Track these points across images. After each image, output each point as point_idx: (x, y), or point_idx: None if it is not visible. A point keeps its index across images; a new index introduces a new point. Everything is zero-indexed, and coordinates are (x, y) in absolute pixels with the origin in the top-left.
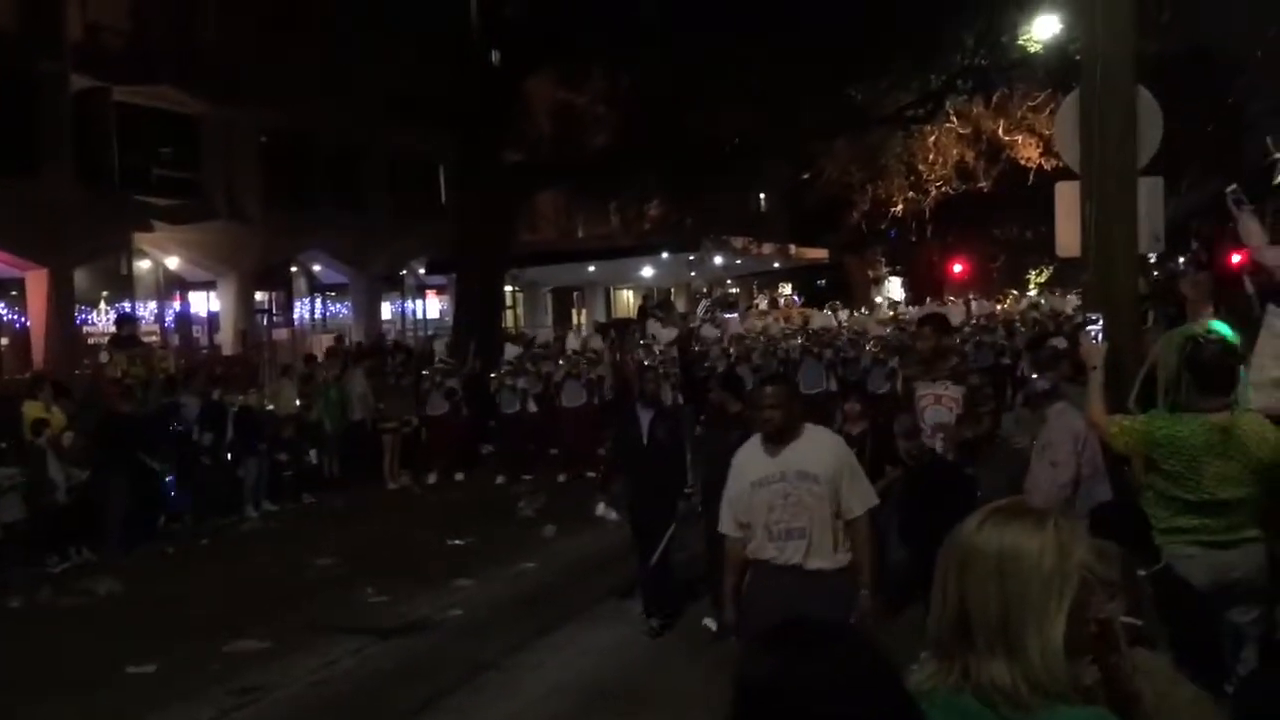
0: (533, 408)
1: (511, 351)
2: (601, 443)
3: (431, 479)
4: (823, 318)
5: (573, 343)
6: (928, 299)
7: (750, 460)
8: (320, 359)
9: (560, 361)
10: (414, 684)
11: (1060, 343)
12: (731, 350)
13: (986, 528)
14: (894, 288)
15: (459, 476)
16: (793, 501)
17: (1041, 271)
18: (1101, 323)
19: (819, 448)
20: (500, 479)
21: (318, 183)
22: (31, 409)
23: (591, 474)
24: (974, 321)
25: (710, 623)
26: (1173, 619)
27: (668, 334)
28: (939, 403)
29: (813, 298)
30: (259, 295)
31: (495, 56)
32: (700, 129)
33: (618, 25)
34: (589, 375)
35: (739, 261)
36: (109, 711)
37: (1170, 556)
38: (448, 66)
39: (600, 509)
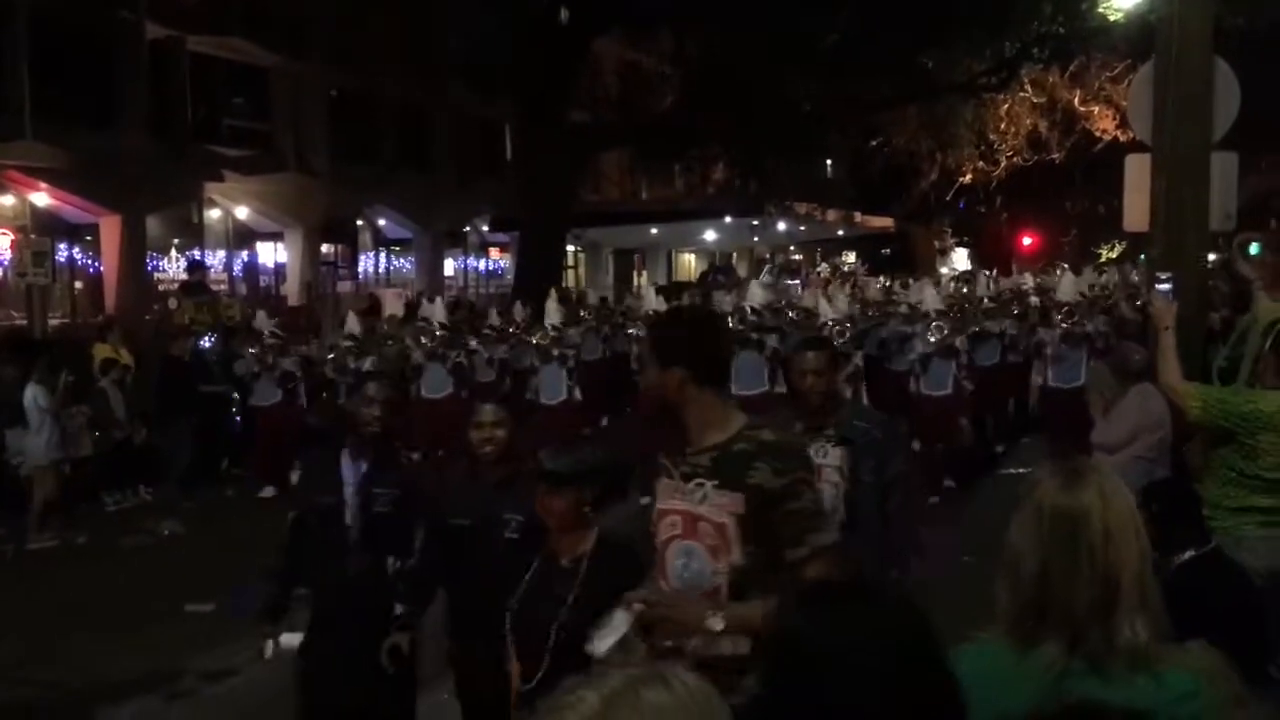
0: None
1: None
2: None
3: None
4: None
5: (437, 312)
6: (994, 270)
7: None
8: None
9: (423, 339)
10: None
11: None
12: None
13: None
14: (960, 259)
15: None
16: None
17: (1114, 246)
18: (1173, 283)
19: None
20: None
21: (385, 138)
22: (101, 351)
23: None
24: (983, 302)
25: None
26: (1218, 600)
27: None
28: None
29: (877, 267)
30: (325, 248)
31: (564, 15)
32: (766, 95)
33: None
34: (456, 358)
35: (803, 228)
36: (167, 647)
37: (1230, 538)
38: (516, 25)
39: (269, 648)
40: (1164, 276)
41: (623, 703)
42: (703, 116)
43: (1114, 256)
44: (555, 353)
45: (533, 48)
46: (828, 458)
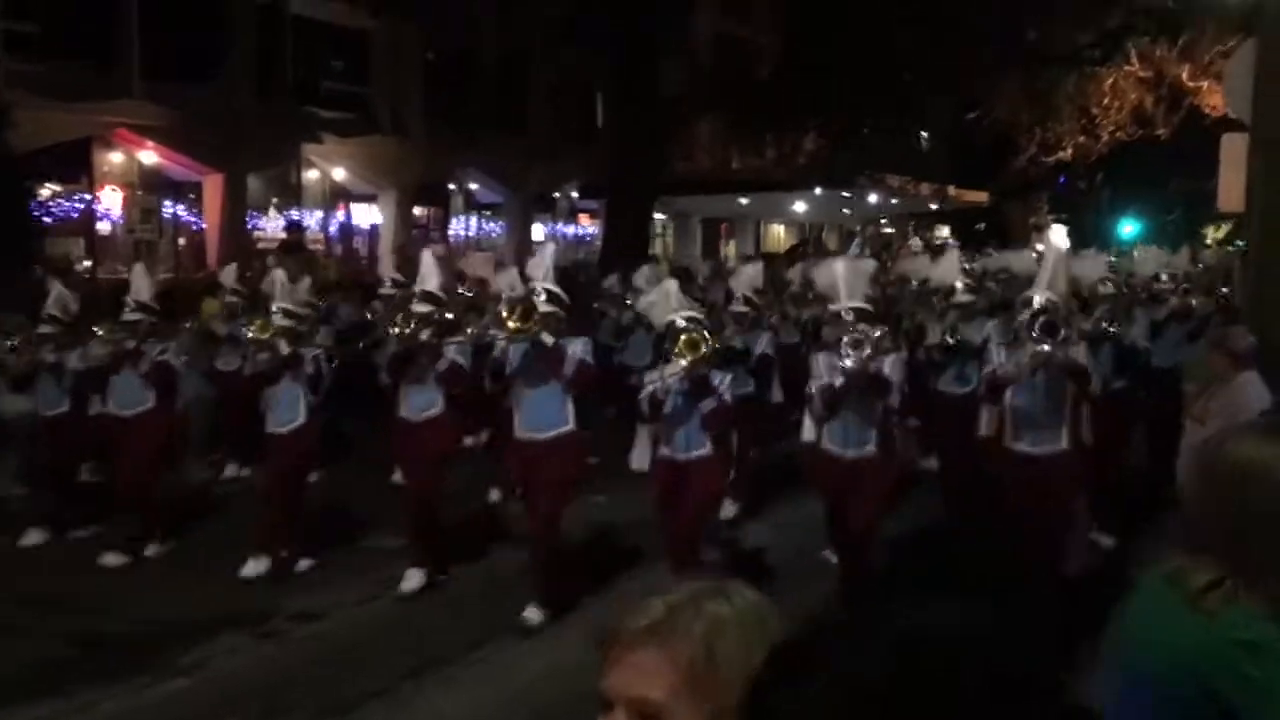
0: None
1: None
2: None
3: None
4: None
5: (141, 286)
6: (1094, 249)
7: None
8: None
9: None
10: None
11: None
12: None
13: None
14: (1058, 236)
15: None
16: None
17: (1219, 227)
18: None
19: None
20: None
21: (478, 103)
22: (210, 306)
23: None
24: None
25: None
26: None
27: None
28: None
29: (970, 241)
30: (417, 210)
31: None
32: (864, 61)
33: None
34: (160, 355)
35: (895, 201)
36: (255, 592)
37: None
38: None
39: None
40: None
41: (685, 610)
42: (799, 83)
43: (1220, 237)
44: (284, 350)
45: (627, 14)
46: None
